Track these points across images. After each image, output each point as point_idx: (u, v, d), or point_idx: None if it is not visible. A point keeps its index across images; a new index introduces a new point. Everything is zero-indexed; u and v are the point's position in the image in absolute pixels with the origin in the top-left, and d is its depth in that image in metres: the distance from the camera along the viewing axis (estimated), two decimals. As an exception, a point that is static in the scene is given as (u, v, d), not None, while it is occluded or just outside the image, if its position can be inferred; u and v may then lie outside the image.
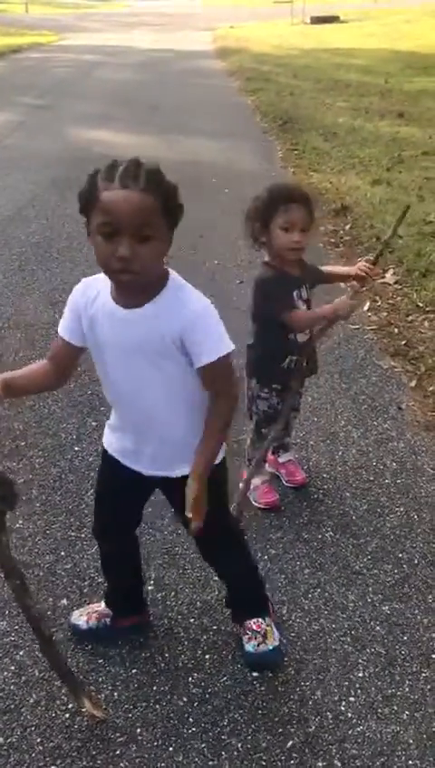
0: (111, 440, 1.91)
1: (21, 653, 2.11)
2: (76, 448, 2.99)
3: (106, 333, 1.67)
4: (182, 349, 1.63)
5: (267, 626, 2.09)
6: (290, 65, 15.30)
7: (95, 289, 1.69)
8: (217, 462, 1.80)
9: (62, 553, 2.46)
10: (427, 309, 4.18)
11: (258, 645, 2.05)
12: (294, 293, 2.39)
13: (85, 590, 2.31)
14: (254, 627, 2.08)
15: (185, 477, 1.73)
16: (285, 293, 2.36)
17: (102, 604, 2.18)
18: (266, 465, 2.79)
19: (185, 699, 1.97)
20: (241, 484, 2.66)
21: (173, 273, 1.65)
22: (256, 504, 2.67)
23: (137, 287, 1.58)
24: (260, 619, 2.09)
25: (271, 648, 2.05)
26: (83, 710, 1.86)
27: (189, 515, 1.69)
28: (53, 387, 1.87)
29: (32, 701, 1.97)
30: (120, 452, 1.88)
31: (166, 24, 30.43)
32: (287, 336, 2.42)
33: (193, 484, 1.70)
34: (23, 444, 3.03)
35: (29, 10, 34.68)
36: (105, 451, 1.93)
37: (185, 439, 1.76)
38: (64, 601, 2.28)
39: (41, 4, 38.54)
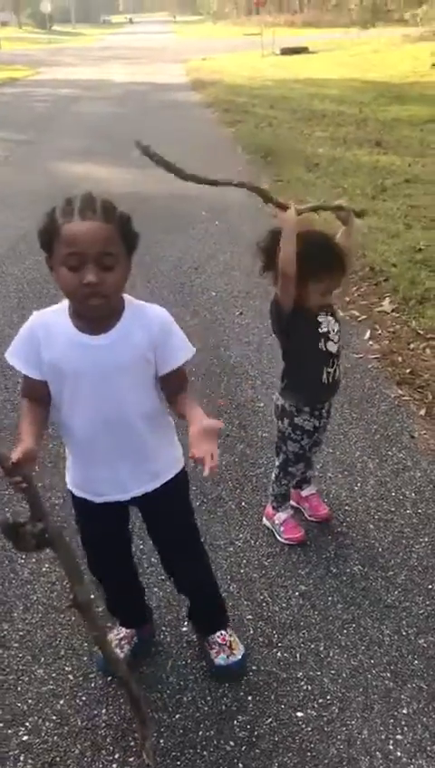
0: (80, 479, 1.92)
1: (61, 702, 2.08)
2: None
3: (79, 363, 1.71)
4: (152, 358, 1.76)
5: (230, 637, 2.18)
6: (265, 96, 15.56)
7: (52, 322, 1.74)
8: (179, 468, 1.96)
9: (92, 596, 2.39)
10: (428, 336, 4.24)
11: (228, 657, 2.13)
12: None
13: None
14: (219, 640, 2.16)
15: (163, 485, 1.91)
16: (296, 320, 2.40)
17: (122, 630, 2.21)
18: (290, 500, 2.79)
19: (232, 744, 1.95)
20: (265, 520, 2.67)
21: (127, 297, 1.76)
22: (281, 540, 2.67)
23: (105, 312, 1.67)
24: (223, 632, 2.18)
25: (239, 657, 2.15)
26: (142, 748, 1.83)
27: (204, 456, 1.61)
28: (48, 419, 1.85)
29: (77, 752, 1.94)
30: (94, 487, 1.90)
31: (138, 57, 30.84)
32: (318, 345, 2.40)
33: (208, 421, 1.68)
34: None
35: (1, 45, 34.95)
36: (73, 496, 1.96)
37: (160, 448, 1.91)
38: (99, 646, 2.25)
39: (13, 40, 38.85)
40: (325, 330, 2.42)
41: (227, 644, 2.15)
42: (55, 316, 1.74)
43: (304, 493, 2.82)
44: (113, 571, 2.13)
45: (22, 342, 1.76)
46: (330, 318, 2.43)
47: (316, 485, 2.89)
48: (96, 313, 1.66)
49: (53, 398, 1.78)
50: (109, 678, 2.12)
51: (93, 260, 1.56)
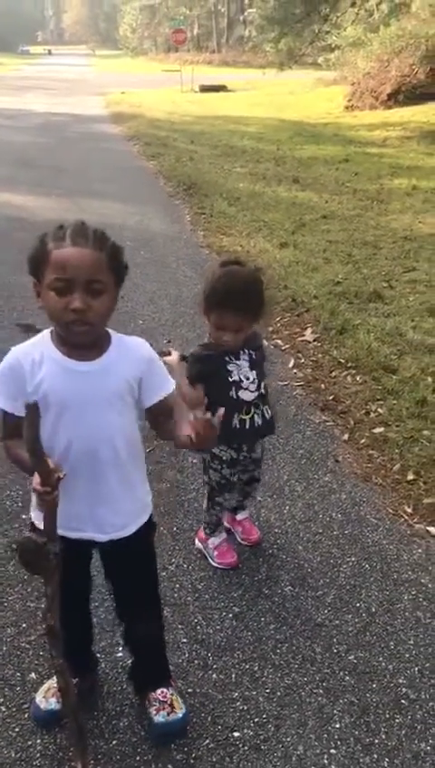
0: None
1: (-7, 734, 2.04)
2: (23, 516, 2.93)
3: (67, 390, 1.69)
4: (136, 389, 1.77)
5: (172, 694, 2.08)
6: (186, 131, 15.86)
7: (36, 354, 1.71)
8: (147, 518, 1.92)
9: (24, 625, 2.40)
10: (348, 365, 4.39)
11: (168, 714, 2.02)
12: (228, 359, 2.42)
13: (52, 663, 2.26)
14: (160, 697, 2.06)
15: (135, 534, 1.87)
16: (201, 372, 2.37)
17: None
18: (224, 521, 2.84)
19: (170, 767, 1.96)
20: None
21: (110, 330, 1.78)
22: (214, 564, 2.70)
23: (90, 338, 1.67)
24: (164, 689, 2.08)
25: (180, 715, 2.04)
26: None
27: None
28: None
29: (11, 784, 1.90)
30: (69, 523, 1.79)
31: (57, 88, 30.83)
32: (229, 393, 2.42)
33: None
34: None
35: None
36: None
37: (140, 489, 1.89)
38: (33, 675, 2.22)
39: None
40: (236, 378, 2.42)
41: (168, 701, 2.05)
42: (38, 347, 1.72)
43: (239, 517, 2.87)
44: (70, 611, 1.96)
45: (4, 380, 1.71)
46: (243, 363, 2.43)
47: (249, 510, 2.95)
48: (80, 339, 1.66)
49: None
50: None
51: (81, 286, 1.57)
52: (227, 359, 2.43)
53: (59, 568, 1.62)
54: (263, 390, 2.49)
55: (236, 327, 2.36)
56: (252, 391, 2.45)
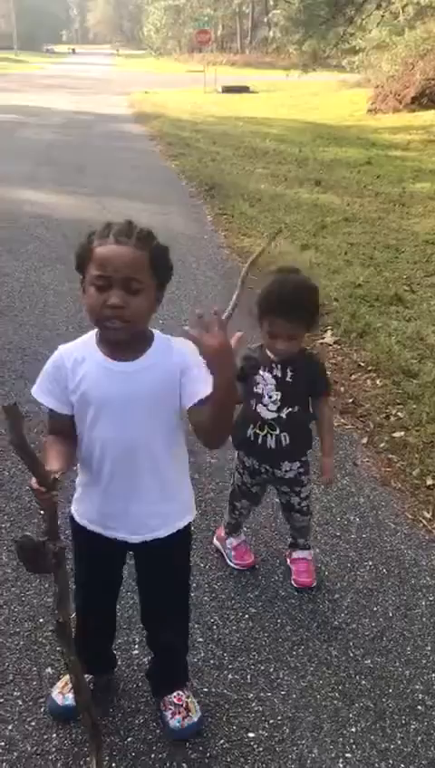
0: (94, 513, 1.86)
1: (9, 727, 2.05)
2: (42, 512, 2.93)
3: (106, 389, 1.71)
4: (178, 389, 1.72)
5: (187, 698, 2.08)
6: (208, 132, 15.89)
7: (79, 353, 1.74)
8: (183, 525, 1.91)
9: (41, 620, 2.41)
10: (368, 368, 4.38)
11: (183, 719, 2.03)
12: (261, 369, 2.36)
13: (69, 658, 2.26)
14: (175, 701, 2.06)
15: (169, 538, 1.86)
16: (242, 371, 2.31)
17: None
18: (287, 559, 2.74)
19: (185, 766, 1.96)
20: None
21: (156, 331, 1.78)
22: (231, 565, 2.70)
23: (126, 337, 1.66)
24: (180, 692, 2.08)
25: (195, 720, 2.04)
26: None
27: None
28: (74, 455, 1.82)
29: (27, 778, 1.91)
30: (104, 521, 1.85)
31: (81, 87, 30.98)
32: (250, 401, 2.39)
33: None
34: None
35: None
36: (82, 529, 1.89)
37: (179, 491, 1.89)
38: (49, 670, 2.23)
39: None
40: (259, 391, 2.36)
41: (184, 705, 2.05)
42: (82, 346, 1.75)
43: (295, 555, 2.71)
44: (98, 608, 2.06)
45: (48, 377, 1.76)
46: (270, 380, 2.36)
47: (308, 552, 2.71)
48: (116, 337, 1.66)
49: (77, 434, 1.77)
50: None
51: (120, 284, 1.58)
52: (261, 369, 2.37)
53: (63, 565, 1.63)
54: (284, 415, 2.38)
55: (288, 335, 2.27)
56: (271, 410, 2.38)
